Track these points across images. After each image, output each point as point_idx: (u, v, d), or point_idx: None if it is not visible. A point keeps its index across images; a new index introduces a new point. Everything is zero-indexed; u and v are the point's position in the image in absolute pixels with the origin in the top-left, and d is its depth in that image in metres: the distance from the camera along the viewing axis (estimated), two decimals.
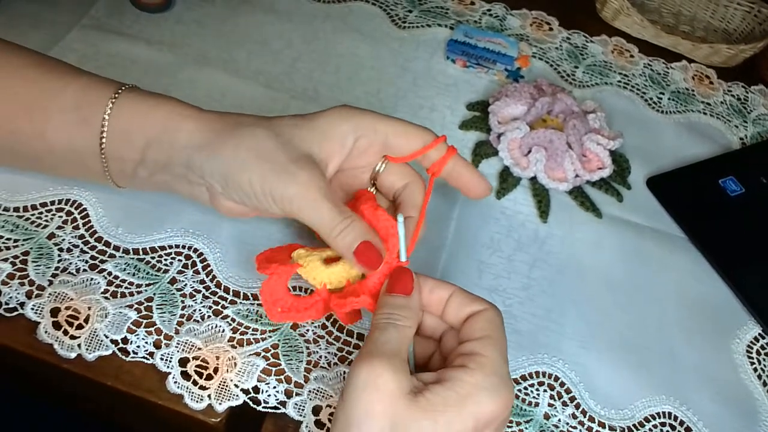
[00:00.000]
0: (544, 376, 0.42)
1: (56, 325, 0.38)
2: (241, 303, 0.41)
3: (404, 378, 0.29)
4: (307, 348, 0.40)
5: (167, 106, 0.37)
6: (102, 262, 0.42)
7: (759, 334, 0.47)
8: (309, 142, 0.36)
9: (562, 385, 0.42)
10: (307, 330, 0.41)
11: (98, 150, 0.37)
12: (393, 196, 0.40)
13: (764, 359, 0.46)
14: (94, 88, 0.37)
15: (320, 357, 0.40)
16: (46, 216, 0.43)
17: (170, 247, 0.43)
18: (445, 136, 0.39)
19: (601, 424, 0.41)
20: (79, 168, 0.39)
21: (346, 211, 0.35)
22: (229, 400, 0.38)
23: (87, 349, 0.38)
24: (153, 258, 0.42)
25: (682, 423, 0.42)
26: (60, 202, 0.44)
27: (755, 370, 0.45)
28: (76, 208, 0.44)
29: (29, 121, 0.37)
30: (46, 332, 0.38)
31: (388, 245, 0.36)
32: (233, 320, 0.41)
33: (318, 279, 0.37)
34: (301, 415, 0.38)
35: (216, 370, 0.38)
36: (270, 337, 0.40)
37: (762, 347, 0.46)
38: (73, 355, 0.38)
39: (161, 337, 0.39)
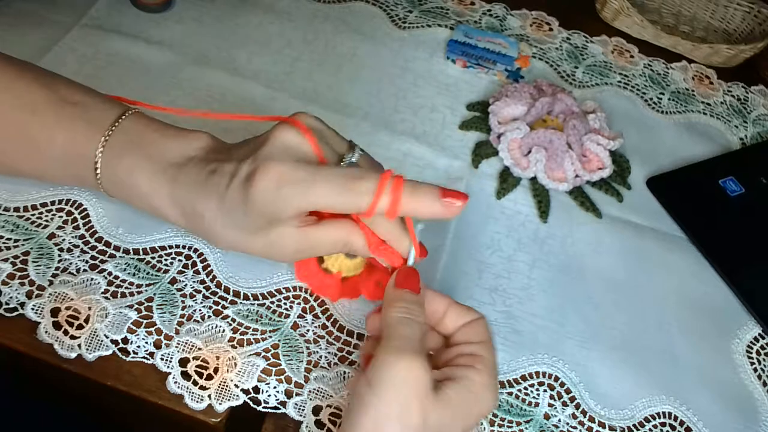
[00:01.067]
0: (544, 376, 0.42)
1: (56, 325, 0.38)
2: (241, 303, 0.41)
3: (430, 374, 0.31)
4: (308, 348, 0.40)
5: (146, 173, 0.35)
6: (102, 262, 0.42)
7: (759, 334, 0.47)
8: (262, 222, 0.33)
9: (562, 385, 0.42)
10: (308, 330, 0.41)
11: (97, 185, 0.37)
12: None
13: (764, 359, 0.46)
14: (77, 144, 0.36)
15: (320, 357, 0.40)
16: (47, 216, 0.43)
17: (170, 247, 0.43)
18: (389, 172, 0.33)
19: (601, 424, 0.41)
20: (85, 188, 0.41)
21: (337, 228, 0.35)
22: (229, 400, 0.38)
23: (87, 349, 0.38)
24: (153, 258, 0.42)
25: (682, 423, 0.42)
26: (60, 202, 0.44)
27: (755, 370, 0.45)
28: (76, 208, 0.44)
29: (27, 163, 0.38)
30: (46, 332, 0.38)
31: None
32: (233, 320, 0.41)
33: (335, 266, 0.41)
34: (301, 415, 0.38)
35: (216, 370, 0.38)
36: (270, 337, 0.40)
37: (762, 347, 0.46)
38: (73, 355, 0.38)
39: (161, 337, 0.39)
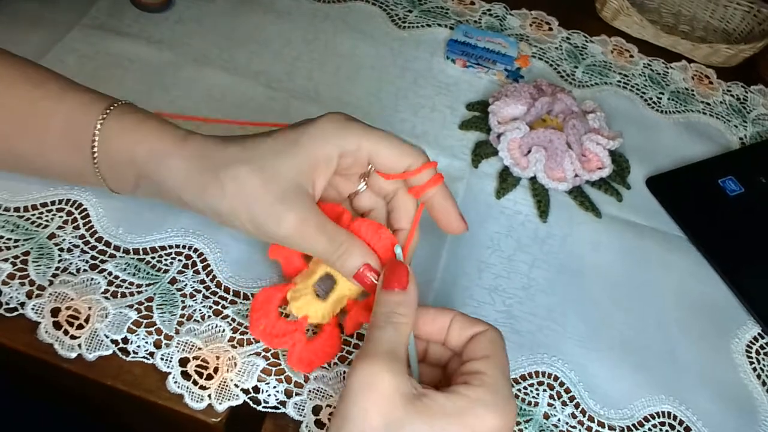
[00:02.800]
0: (543, 375, 0.42)
1: (56, 325, 0.39)
2: (241, 303, 0.42)
3: (401, 379, 0.30)
4: None
5: (150, 138, 0.36)
6: (102, 262, 0.42)
7: (758, 333, 0.47)
8: (294, 171, 0.35)
9: (561, 384, 0.42)
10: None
11: (93, 171, 0.37)
12: (385, 200, 0.40)
13: (764, 359, 0.46)
14: (79, 111, 0.36)
15: None
16: (47, 216, 0.43)
17: (170, 247, 0.43)
18: (436, 162, 0.37)
19: (601, 424, 0.41)
20: (81, 181, 0.40)
21: (339, 236, 0.35)
22: (229, 399, 0.38)
23: (87, 349, 0.38)
24: (153, 258, 0.43)
25: (681, 422, 0.42)
26: (60, 202, 0.44)
27: (754, 369, 0.45)
28: (76, 209, 0.44)
29: (27, 142, 0.37)
30: (46, 332, 0.38)
31: (384, 262, 0.36)
32: (233, 320, 0.41)
33: (302, 310, 0.38)
34: (301, 415, 0.38)
35: (216, 370, 0.38)
36: None
37: (761, 347, 0.46)
38: (73, 355, 0.38)
39: (161, 337, 0.39)
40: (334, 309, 0.38)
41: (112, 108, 0.37)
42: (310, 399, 0.38)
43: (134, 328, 0.39)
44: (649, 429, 0.41)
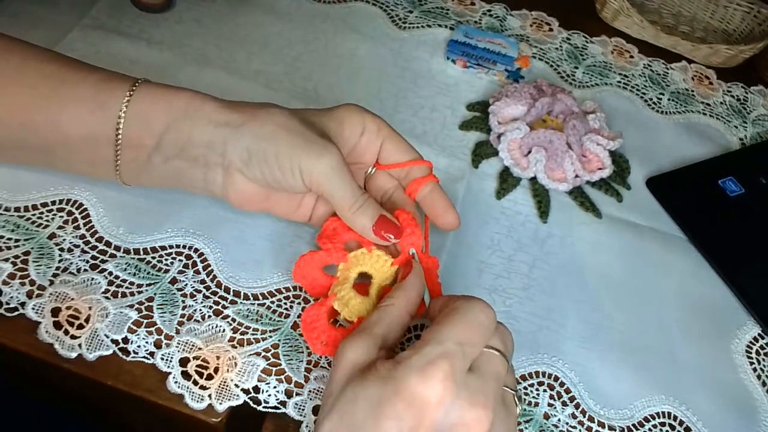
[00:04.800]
0: (543, 376, 0.42)
1: (57, 325, 0.39)
2: (241, 303, 0.42)
3: (362, 352, 0.31)
4: (308, 348, 0.40)
5: (188, 92, 0.38)
6: (103, 262, 0.42)
7: (759, 334, 0.47)
8: (327, 127, 0.38)
9: (561, 385, 0.42)
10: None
11: (113, 137, 0.37)
12: (381, 198, 0.43)
13: (764, 359, 0.46)
14: (113, 79, 0.38)
15: (321, 357, 0.40)
16: (47, 216, 0.43)
17: (171, 247, 0.43)
18: (431, 163, 0.42)
19: (601, 424, 0.41)
20: (90, 160, 0.39)
21: (361, 189, 0.38)
22: (229, 399, 0.38)
23: (88, 349, 0.38)
24: (154, 258, 0.43)
25: (681, 423, 0.42)
26: (61, 202, 0.44)
27: (755, 370, 0.45)
28: (77, 208, 0.44)
29: (44, 112, 0.37)
30: (46, 332, 0.38)
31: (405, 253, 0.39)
32: (234, 320, 0.41)
33: (352, 310, 0.38)
34: (301, 415, 0.38)
35: (216, 370, 0.38)
36: (270, 337, 0.40)
37: (761, 347, 0.47)
38: (73, 354, 0.38)
39: (162, 337, 0.39)
40: (377, 300, 0.39)
41: (141, 80, 0.38)
42: (311, 399, 0.38)
43: (134, 328, 0.39)
44: (649, 429, 0.41)
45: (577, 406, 0.41)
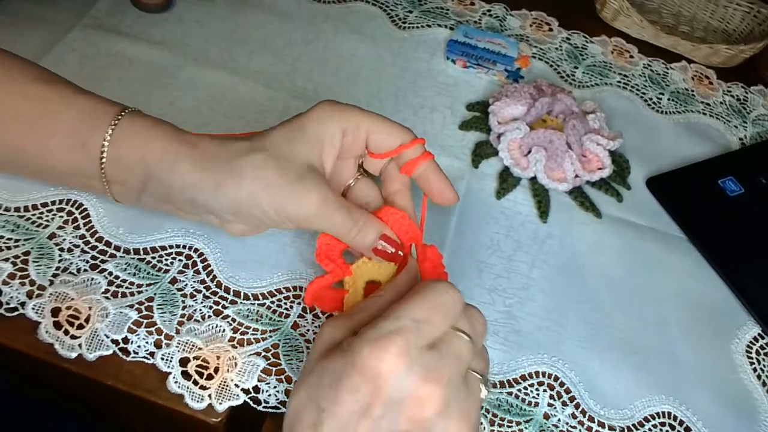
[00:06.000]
0: (543, 376, 0.42)
1: (57, 325, 0.39)
2: (241, 303, 0.42)
3: (336, 332, 0.32)
4: (308, 348, 0.40)
5: (162, 140, 0.36)
6: (103, 262, 0.42)
7: (759, 334, 0.47)
8: (305, 154, 0.36)
9: (561, 385, 0.42)
10: (307, 330, 0.41)
11: (99, 174, 0.37)
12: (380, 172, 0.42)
13: (764, 359, 0.46)
14: (92, 112, 0.37)
15: None
16: (47, 216, 0.43)
17: (171, 247, 0.43)
18: (424, 139, 0.40)
19: (601, 424, 0.41)
20: (83, 184, 0.39)
21: (357, 212, 0.37)
22: (229, 399, 0.38)
23: (88, 349, 0.38)
24: (154, 258, 0.43)
25: (681, 423, 0.42)
26: (61, 202, 0.44)
27: (755, 370, 0.45)
28: (77, 208, 0.44)
29: (32, 141, 0.37)
30: (46, 332, 0.38)
31: (407, 248, 0.39)
32: (234, 320, 0.41)
33: (363, 277, 0.39)
34: None
35: (216, 370, 0.38)
36: (270, 337, 0.40)
37: (761, 347, 0.47)
38: (73, 354, 0.38)
39: (162, 337, 0.39)
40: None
41: (124, 113, 0.37)
42: None
43: (134, 328, 0.39)
44: (649, 429, 0.41)
45: (577, 406, 0.41)
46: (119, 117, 0.37)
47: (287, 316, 0.41)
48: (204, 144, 0.36)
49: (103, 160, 0.36)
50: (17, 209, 0.43)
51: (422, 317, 0.30)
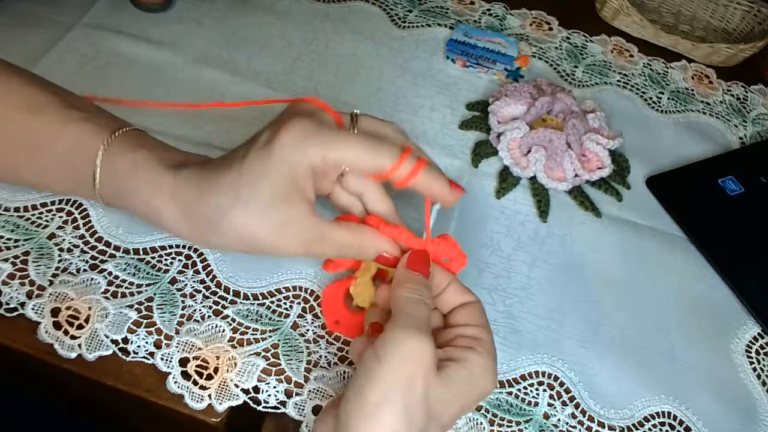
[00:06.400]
0: (543, 375, 0.42)
1: (57, 325, 0.39)
2: (241, 303, 0.42)
3: (435, 352, 0.31)
4: (307, 348, 0.40)
5: (143, 190, 0.35)
6: (102, 262, 0.42)
7: (758, 333, 0.47)
8: (281, 187, 0.33)
9: (561, 384, 0.42)
10: (307, 330, 0.41)
11: (96, 196, 0.37)
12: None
13: (763, 359, 0.46)
14: (77, 149, 0.36)
15: (320, 357, 0.40)
16: (47, 216, 0.43)
17: (170, 247, 0.43)
18: (410, 148, 0.35)
19: (601, 424, 0.41)
20: (84, 196, 0.40)
21: (348, 238, 0.36)
22: (229, 399, 0.38)
23: (87, 349, 0.38)
24: (153, 258, 0.43)
25: (681, 422, 0.42)
26: (60, 202, 0.44)
27: (754, 369, 0.45)
28: (76, 209, 0.44)
29: (29, 165, 0.37)
30: (46, 332, 0.38)
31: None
32: (233, 320, 0.41)
33: (365, 299, 0.39)
34: (301, 415, 0.38)
35: (216, 370, 0.38)
36: (270, 337, 0.40)
37: (761, 347, 0.47)
38: (73, 355, 0.38)
39: (161, 337, 0.39)
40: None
41: (106, 145, 0.36)
42: (310, 399, 0.38)
43: (134, 328, 0.39)
44: (649, 429, 0.41)
45: (576, 406, 0.41)
46: (103, 149, 0.36)
47: (287, 316, 0.41)
48: (184, 190, 0.34)
49: (96, 188, 0.36)
50: (17, 209, 0.43)
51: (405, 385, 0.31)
